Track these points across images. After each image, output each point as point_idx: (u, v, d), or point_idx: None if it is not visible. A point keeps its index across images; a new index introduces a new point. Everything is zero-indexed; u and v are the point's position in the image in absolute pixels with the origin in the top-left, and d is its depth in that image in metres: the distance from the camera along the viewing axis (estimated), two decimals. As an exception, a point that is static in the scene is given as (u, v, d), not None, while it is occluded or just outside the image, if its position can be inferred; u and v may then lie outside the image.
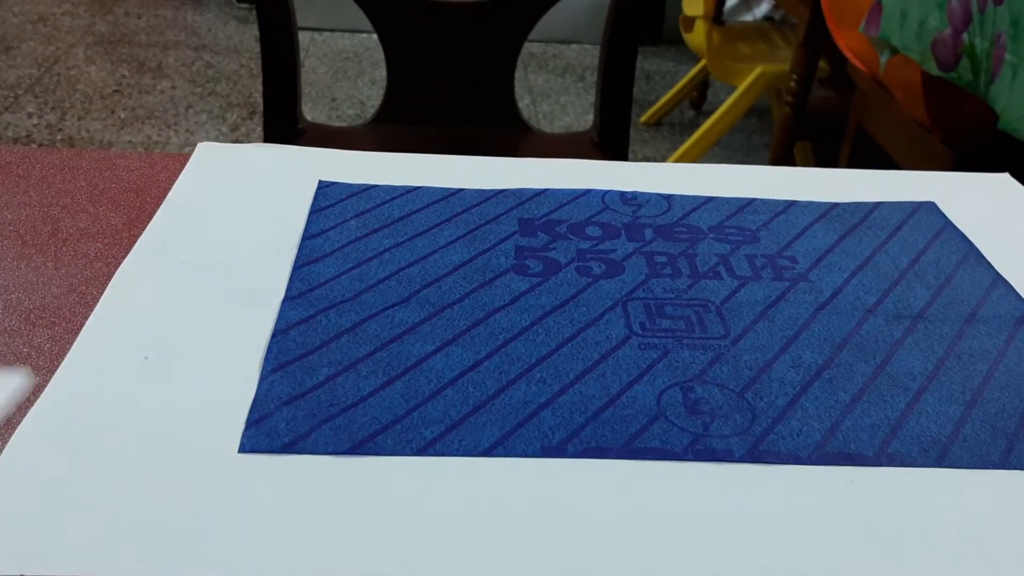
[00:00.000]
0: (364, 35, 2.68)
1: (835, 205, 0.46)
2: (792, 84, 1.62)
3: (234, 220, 0.41)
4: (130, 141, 2.05)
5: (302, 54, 2.42)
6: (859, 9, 1.16)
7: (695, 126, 2.12)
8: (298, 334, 0.34)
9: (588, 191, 0.45)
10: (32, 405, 0.29)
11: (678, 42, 2.43)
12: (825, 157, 1.88)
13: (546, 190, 0.45)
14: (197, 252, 0.38)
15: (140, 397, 0.30)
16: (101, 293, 0.36)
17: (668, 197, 0.45)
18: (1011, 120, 0.90)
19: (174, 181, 0.45)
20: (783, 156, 1.70)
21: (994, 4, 0.90)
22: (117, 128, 2.11)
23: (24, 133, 2.05)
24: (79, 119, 2.14)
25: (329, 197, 0.43)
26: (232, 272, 0.37)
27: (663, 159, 2.09)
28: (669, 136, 2.28)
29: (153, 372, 0.31)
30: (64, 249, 0.39)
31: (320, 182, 0.44)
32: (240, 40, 2.66)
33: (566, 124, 2.28)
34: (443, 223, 0.42)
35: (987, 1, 0.91)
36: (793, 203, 0.46)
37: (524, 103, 2.35)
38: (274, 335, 0.34)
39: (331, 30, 2.73)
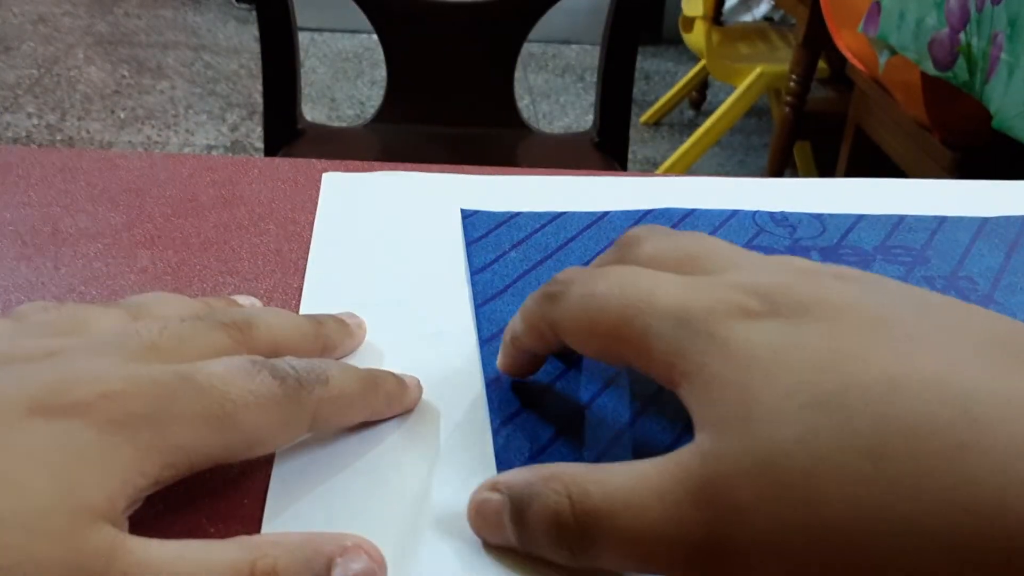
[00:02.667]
0: (364, 35, 2.69)
1: (986, 220, 0.44)
2: (791, 84, 1.62)
3: (386, 255, 0.40)
4: (130, 141, 2.05)
5: (302, 54, 2.42)
6: (858, 9, 1.16)
7: (695, 126, 2.13)
8: (506, 381, 0.32)
9: (736, 212, 0.43)
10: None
11: (678, 42, 2.43)
12: (824, 157, 1.88)
13: (694, 210, 0.43)
14: (366, 292, 0.37)
15: (371, 454, 0.28)
16: (101, 294, 0.36)
17: (819, 217, 0.43)
18: (1005, 119, 0.90)
19: (174, 181, 0.45)
20: (782, 156, 1.70)
21: (992, 4, 0.90)
22: (117, 128, 2.11)
23: (24, 133, 2.05)
24: (79, 119, 2.14)
25: (478, 227, 0.41)
26: (412, 313, 0.36)
27: (663, 159, 2.09)
28: (669, 136, 2.28)
29: (377, 427, 0.29)
30: (64, 249, 0.39)
31: (463, 211, 0.43)
32: (240, 40, 2.66)
33: (566, 124, 2.28)
34: (602, 250, 0.39)
35: (985, 1, 0.91)
36: (944, 219, 0.44)
37: (524, 103, 2.35)
38: (488, 384, 0.32)
39: (331, 30, 2.73)
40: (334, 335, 0.30)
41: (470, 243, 0.41)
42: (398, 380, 0.29)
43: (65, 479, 0.19)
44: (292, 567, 0.21)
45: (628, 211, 0.42)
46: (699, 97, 2.38)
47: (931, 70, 1.01)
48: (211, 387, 0.22)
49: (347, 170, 0.47)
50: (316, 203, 0.44)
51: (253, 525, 0.25)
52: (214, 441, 0.22)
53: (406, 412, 0.29)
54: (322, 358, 0.26)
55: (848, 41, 1.26)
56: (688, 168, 1.98)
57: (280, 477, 0.27)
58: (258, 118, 2.19)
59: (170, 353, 0.23)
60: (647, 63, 2.65)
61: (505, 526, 0.24)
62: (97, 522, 0.19)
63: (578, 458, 0.29)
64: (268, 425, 0.23)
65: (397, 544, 0.25)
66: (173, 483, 0.22)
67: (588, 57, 2.66)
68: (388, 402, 0.28)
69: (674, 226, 0.41)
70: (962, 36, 0.95)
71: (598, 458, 0.29)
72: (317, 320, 0.30)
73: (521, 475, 0.24)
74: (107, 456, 0.20)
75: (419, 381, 0.30)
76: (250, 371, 0.23)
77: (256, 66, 2.43)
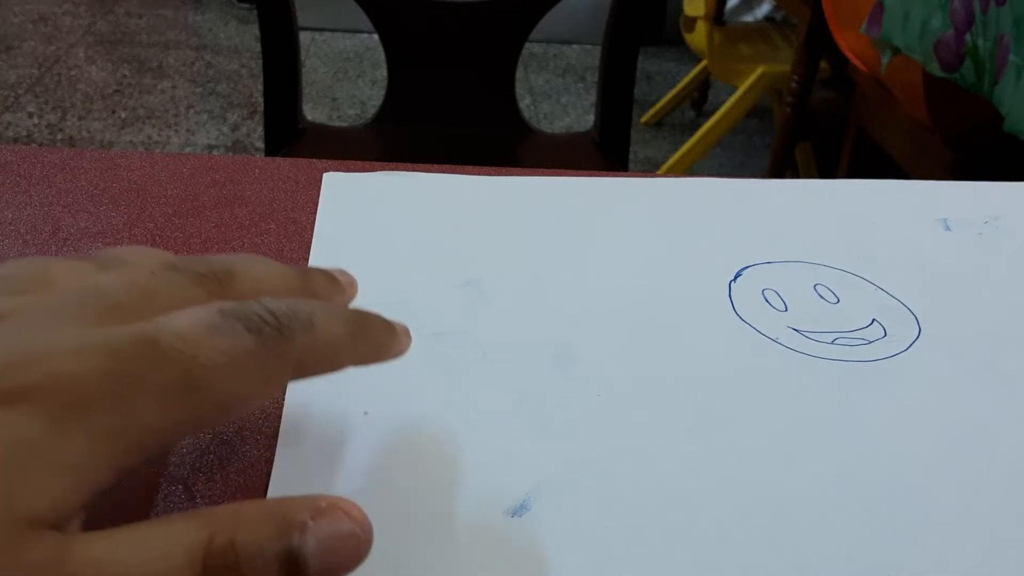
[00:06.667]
0: (365, 35, 2.68)
1: None
2: (793, 85, 1.62)
3: (387, 255, 0.40)
4: (131, 141, 2.05)
5: (303, 54, 2.42)
6: (860, 10, 1.16)
7: (696, 127, 2.12)
8: None
9: None
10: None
11: (679, 42, 2.43)
12: (826, 158, 1.88)
13: None
14: (366, 293, 0.37)
15: (374, 455, 0.28)
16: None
17: None
18: (1016, 121, 0.90)
19: (175, 181, 0.45)
20: (784, 157, 1.70)
21: (996, 5, 0.90)
22: (118, 128, 2.11)
23: (24, 133, 2.05)
24: (80, 119, 2.14)
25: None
26: (412, 313, 0.36)
27: (664, 160, 2.09)
28: (670, 136, 2.28)
29: (380, 428, 0.29)
30: (65, 249, 0.39)
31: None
32: (241, 40, 2.66)
33: (567, 124, 2.28)
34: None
35: (989, 2, 0.91)
36: None
37: (525, 103, 2.35)
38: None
39: (332, 30, 2.73)
40: (322, 289, 0.27)
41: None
42: (386, 324, 0.25)
43: (3, 485, 0.17)
44: (255, 540, 0.18)
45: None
46: (700, 97, 2.37)
47: (937, 72, 1.01)
48: (176, 351, 0.19)
49: (348, 170, 0.47)
50: (317, 203, 0.44)
51: (254, 526, 0.25)
52: (183, 413, 0.19)
53: (394, 358, 0.25)
54: (312, 301, 0.23)
55: (850, 41, 1.26)
56: (689, 169, 1.97)
57: (280, 478, 0.27)
58: (259, 118, 2.19)
59: (137, 312, 0.20)
60: (648, 63, 2.65)
61: None
62: (38, 530, 0.17)
63: None
64: (245, 385, 0.20)
65: (396, 543, 0.25)
66: (169, 484, 0.22)
67: (589, 57, 2.66)
68: (376, 348, 0.25)
69: None
70: (968, 38, 0.95)
71: None
72: (304, 272, 0.27)
73: None
74: (56, 451, 0.17)
75: (408, 329, 0.26)
76: (220, 327, 0.19)
77: (257, 66, 2.43)
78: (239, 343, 0.19)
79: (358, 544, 0.19)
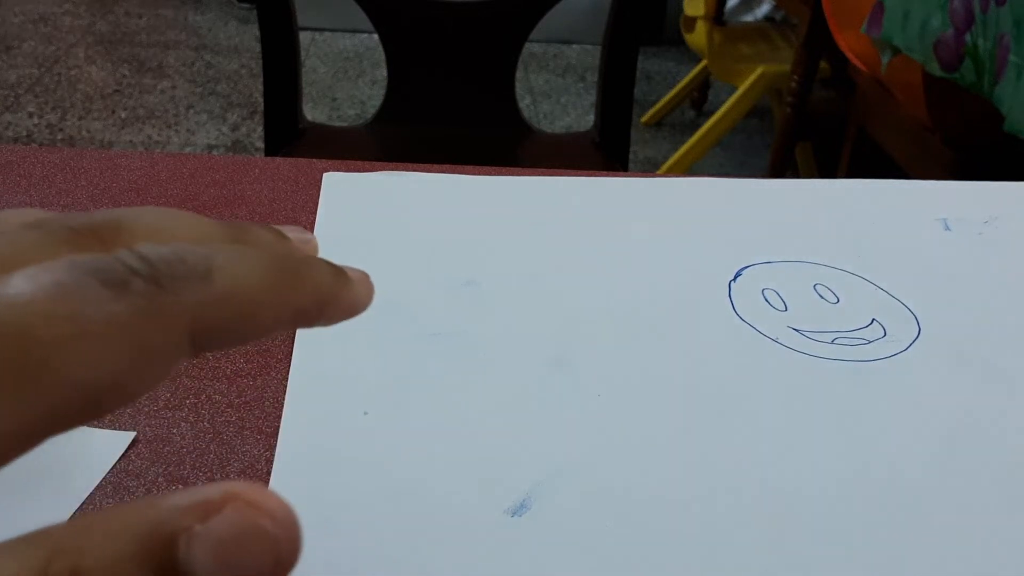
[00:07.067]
0: (365, 35, 2.68)
1: None
2: (793, 85, 1.62)
3: (387, 255, 0.40)
4: (131, 141, 2.05)
5: (303, 54, 2.41)
6: (860, 10, 1.16)
7: (696, 126, 2.12)
8: None
9: None
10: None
11: (679, 42, 2.43)
12: (826, 158, 1.88)
13: None
14: None
15: (374, 455, 0.28)
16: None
17: None
18: (1016, 121, 0.90)
19: (175, 181, 0.45)
20: (784, 157, 1.70)
21: (996, 5, 0.90)
22: (118, 128, 2.11)
23: (24, 133, 2.05)
24: (79, 119, 2.14)
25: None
26: (412, 313, 0.36)
27: (664, 160, 2.09)
28: (670, 136, 2.28)
29: (380, 428, 0.29)
30: (65, 249, 0.39)
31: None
32: (241, 40, 2.66)
33: (567, 124, 2.28)
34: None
35: (989, 2, 0.91)
36: None
37: (525, 103, 2.35)
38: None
39: (332, 30, 2.73)
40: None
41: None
42: (334, 269, 0.19)
43: None
44: (109, 562, 0.12)
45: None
46: (700, 97, 2.37)
47: (937, 71, 1.01)
48: (3, 326, 0.13)
49: (348, 170, 0.47)
50: (317, 203, 0.44)
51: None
52: (25, 410, 0.13)
53: (350, 315, 0.19)
54: (212, 243, 0.17)
55: (850, 41, 1.26)
56: (689, 168, 1.97)
57: (280, 477, 0.27)
58: (259, 118, 2.19)
59: None
60: (648, 63, 2.65)
61: None
62: None
63: None
64: (110, 362, 0.14)
65: (397, 543, 0.25)
66: (169, 483, 0.22)
67: (589, 57, 2.66)
68: (318, 298, 0.18)
69: None
70: (968, 37, 0.95)
71: None
72: (235, 225, 0.19)
73: None
74: None
75: (368, 277, 0.20)
76: (67, 286, 0.14)
77: (257, 66, 2.43)
78: (97, 305, 0.14)
79: (274, 545, 0.13)
